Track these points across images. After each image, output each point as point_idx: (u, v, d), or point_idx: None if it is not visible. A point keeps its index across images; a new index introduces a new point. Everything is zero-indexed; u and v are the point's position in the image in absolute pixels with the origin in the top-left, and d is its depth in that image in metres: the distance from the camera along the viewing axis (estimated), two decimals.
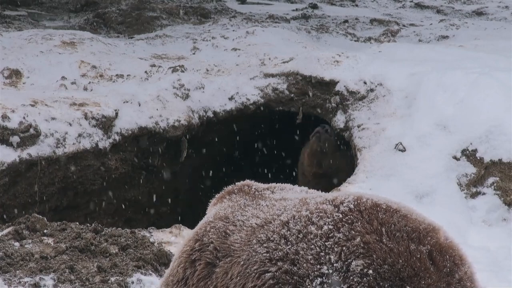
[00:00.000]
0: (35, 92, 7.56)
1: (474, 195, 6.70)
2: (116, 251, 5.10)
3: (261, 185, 3.30)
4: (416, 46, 9.89)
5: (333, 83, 8.07)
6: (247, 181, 3.34)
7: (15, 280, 4.68)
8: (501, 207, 6.63)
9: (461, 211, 6.51)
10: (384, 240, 2.63)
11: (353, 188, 6.57)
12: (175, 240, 5.66)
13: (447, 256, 2.66)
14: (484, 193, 6.71)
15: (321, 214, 2.77)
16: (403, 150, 6.96)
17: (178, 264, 3.08)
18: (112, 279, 4.76)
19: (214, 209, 3.22)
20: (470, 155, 6.85)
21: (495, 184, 6.70)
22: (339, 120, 7.88)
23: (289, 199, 3.01)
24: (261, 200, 3.09)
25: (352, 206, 2.77)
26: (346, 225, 2.69)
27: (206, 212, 3.32)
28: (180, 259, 3.09)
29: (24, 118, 6.79)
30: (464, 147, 6.88)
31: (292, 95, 8.29)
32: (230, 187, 3.32)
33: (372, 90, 7.82)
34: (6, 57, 8.22)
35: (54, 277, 4.73)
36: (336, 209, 2.78)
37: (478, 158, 6.81)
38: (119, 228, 5.55)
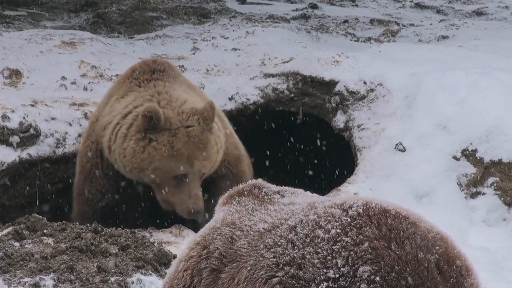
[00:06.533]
0: (35, 92, 7.57)
1: (474, 195, 6.71)
2: (116, 251, 5.09)
3: (272, 187, 3.23)
4: (416, 46, 9.89)
5: (333, 83, 8.06)
6: (259, 181, 3.26)
7: (15, 280, 4.67)
8: (501, 207, 6.63)
9: (461, 211, 6.51)
10: (393, 247, 2.60)
11: (353, 188, 6.57)
12: (175, 240, 5.65)
13: (454, 267, 2.64)
14: (484, 193, 6.71)
15: (329, 218, 2.74)
16: (403, 150, 6.96)
17: (185, 268, 3.03)
18: (112, 279, 4.75)
19: (222, 210, 3.18)
20: (470, 155, 6.85)
21: (495, 184, 6.70)
22: (339, 120, 7.88)
23: (298, 203, 2.97)
24: (270, 204, 3.05)
25: (361, 210, 2.73)
26: (355, 230, 2.67)
27: (215, 209, 3.27)
28: (188, 263, 3.04)
29: (24, 118, 6.78)
30: (464, 147, 6.88)
31: (292, 95, 8.29)
32: (240, 187, 3.23)
33: (372, 90, 7.82)
34: (6, 57, 8.22)
35: (54, 277, 4.72)
36: (345, 213, 2.74)
37: (478, 158, 6.81)
38: (119, 228, 5.54)
